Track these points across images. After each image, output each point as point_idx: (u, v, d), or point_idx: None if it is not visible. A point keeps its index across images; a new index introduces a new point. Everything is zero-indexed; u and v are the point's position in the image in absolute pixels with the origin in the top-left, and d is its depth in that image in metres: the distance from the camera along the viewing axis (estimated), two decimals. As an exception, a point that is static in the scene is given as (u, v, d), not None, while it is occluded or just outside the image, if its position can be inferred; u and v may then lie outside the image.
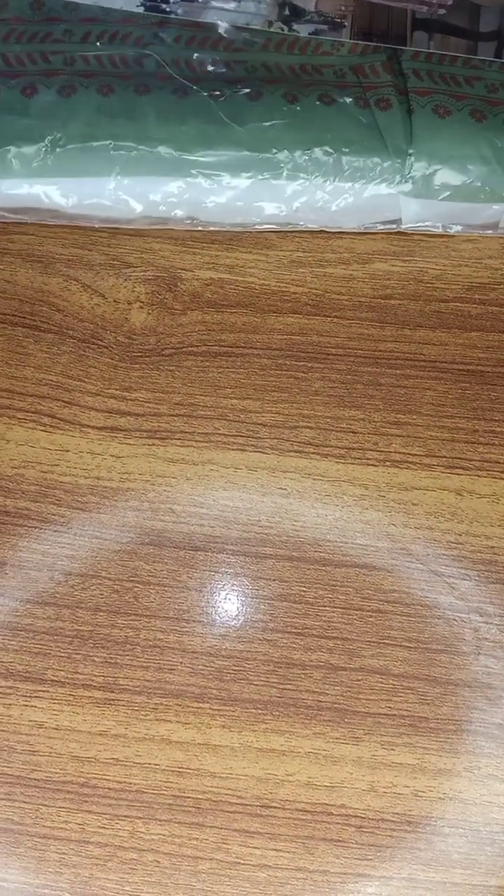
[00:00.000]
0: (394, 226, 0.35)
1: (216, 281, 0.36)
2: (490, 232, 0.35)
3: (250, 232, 0.36)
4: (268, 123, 0.33)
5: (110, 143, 0.33)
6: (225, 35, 0.35)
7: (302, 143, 0.33)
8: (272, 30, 0.35)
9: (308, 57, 0.34)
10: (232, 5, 0.35)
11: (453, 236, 0.36)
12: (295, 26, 0.35)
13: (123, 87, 0.33)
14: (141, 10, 0.35)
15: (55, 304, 0.36)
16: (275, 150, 0.33)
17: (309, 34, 0.35)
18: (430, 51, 0.34)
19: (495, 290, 0.36)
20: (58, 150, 0.33)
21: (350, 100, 0.33)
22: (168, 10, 0.35)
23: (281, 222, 0.34)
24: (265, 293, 0.36)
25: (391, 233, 0.36)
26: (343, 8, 0.35)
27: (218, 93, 0.33)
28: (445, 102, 0.33)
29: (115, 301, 0.36)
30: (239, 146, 0.33)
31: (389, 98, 0.33)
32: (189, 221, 0.35)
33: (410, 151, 0.33)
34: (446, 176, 0.33)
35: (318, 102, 0.33)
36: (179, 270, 0.36)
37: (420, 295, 0.36)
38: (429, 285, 0.36)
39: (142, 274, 0.36)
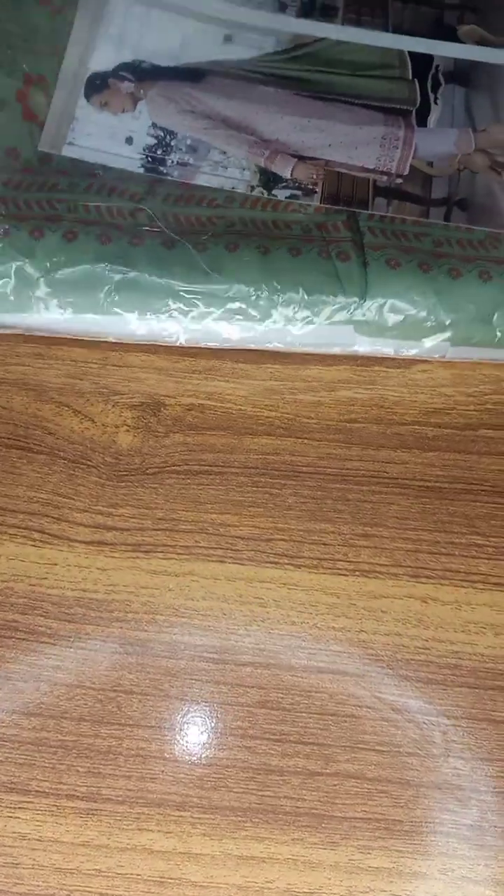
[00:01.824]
0: (350, 350, 0.39)
1: (197, 406, 0.38)
2: (437, 356, 0.39)
3: (227, 359, 0.39)
4: (244, 271, 0.37)
5: (105, 270, 0.37)
6: (209, 195, 0.39)
7: (272, 285, 0.37)
8: (253, 194, 0.39)
9: (280, 213, 0.39)
10: (220, 171, 0.40)
11: (409, 367, 0.40)
12: (273, 191, 0.40)
13: (119, 237, 0.38)
14: (141, 171, 0.40)
15: (47, 428, 0.38)
16: (249, 291, 0.37)
17: (285, 198, 0.39)
18: (387, 214, 0.39)
19: (449, 415, 0.39)
20: (57, 281, 0.37)
21: (315, 251, 0.38)
22: (165, 171, 0.40)
23: (251, 344, 0.38)
24: (242, 417, 0.38)
25: (355, 364, 0.39)
26: (315, 176, 0.40)
27: (201, 244, 0.38)
28: (396, 255, 0.38)
29: (103, 425, 0.38)
30: (219, 288, 0.37)
31: (348, 252, 0.38)
32: (172, 340, 0.38)
33: (364, 298, 0.37)
34: (394, 316, 0.37)
35: (287, 254, 0.38)
36: (163, 397, 0.39)
37: (382, 419, 0.38)
38: (389, 410, 0.39)
39: (128, 400, 0.39)
